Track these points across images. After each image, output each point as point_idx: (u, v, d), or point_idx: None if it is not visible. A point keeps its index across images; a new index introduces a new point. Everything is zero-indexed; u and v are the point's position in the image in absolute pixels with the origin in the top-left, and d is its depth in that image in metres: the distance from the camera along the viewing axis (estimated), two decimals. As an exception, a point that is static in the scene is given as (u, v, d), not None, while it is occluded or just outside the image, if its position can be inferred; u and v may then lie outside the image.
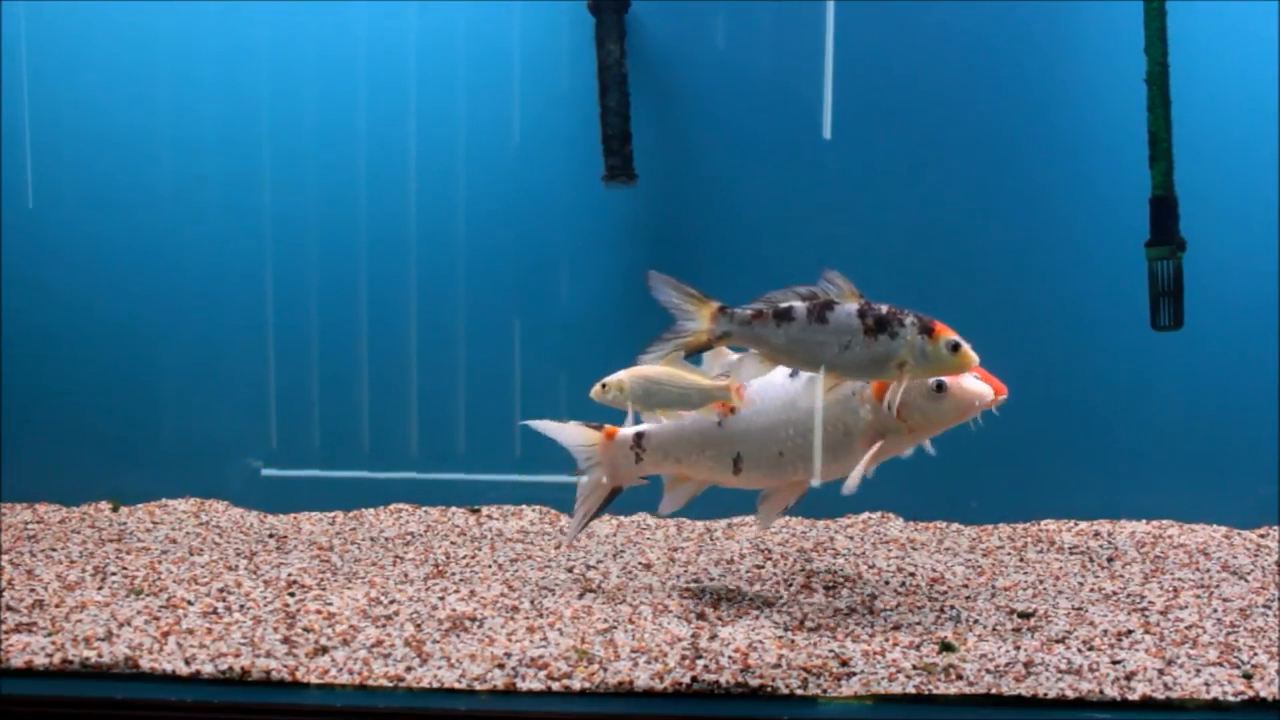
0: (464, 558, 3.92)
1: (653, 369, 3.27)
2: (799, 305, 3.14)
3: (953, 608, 3.38)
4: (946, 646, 3.04)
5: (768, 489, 3.48)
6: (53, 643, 3.04)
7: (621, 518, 4.45)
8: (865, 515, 4.42)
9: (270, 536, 4.20)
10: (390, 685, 2.87)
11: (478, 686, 2.86)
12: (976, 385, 3.28)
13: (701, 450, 3.47)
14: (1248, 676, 2.87)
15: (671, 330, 3.24)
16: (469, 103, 4.41)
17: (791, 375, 3.36)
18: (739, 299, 3.21)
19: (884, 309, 3.12)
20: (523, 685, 2.86)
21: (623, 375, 3.30)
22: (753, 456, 3.41)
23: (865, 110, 4.27)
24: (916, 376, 3.16)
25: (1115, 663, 2.94)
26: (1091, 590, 3.56)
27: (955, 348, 3.10)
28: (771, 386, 3.39)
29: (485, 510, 4.51)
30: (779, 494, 3.46)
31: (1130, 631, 3.16)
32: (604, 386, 3.31)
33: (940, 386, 3.24)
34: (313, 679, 2.90)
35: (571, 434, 3.58)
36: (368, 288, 4.49)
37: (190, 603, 3.33)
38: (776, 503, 3.47)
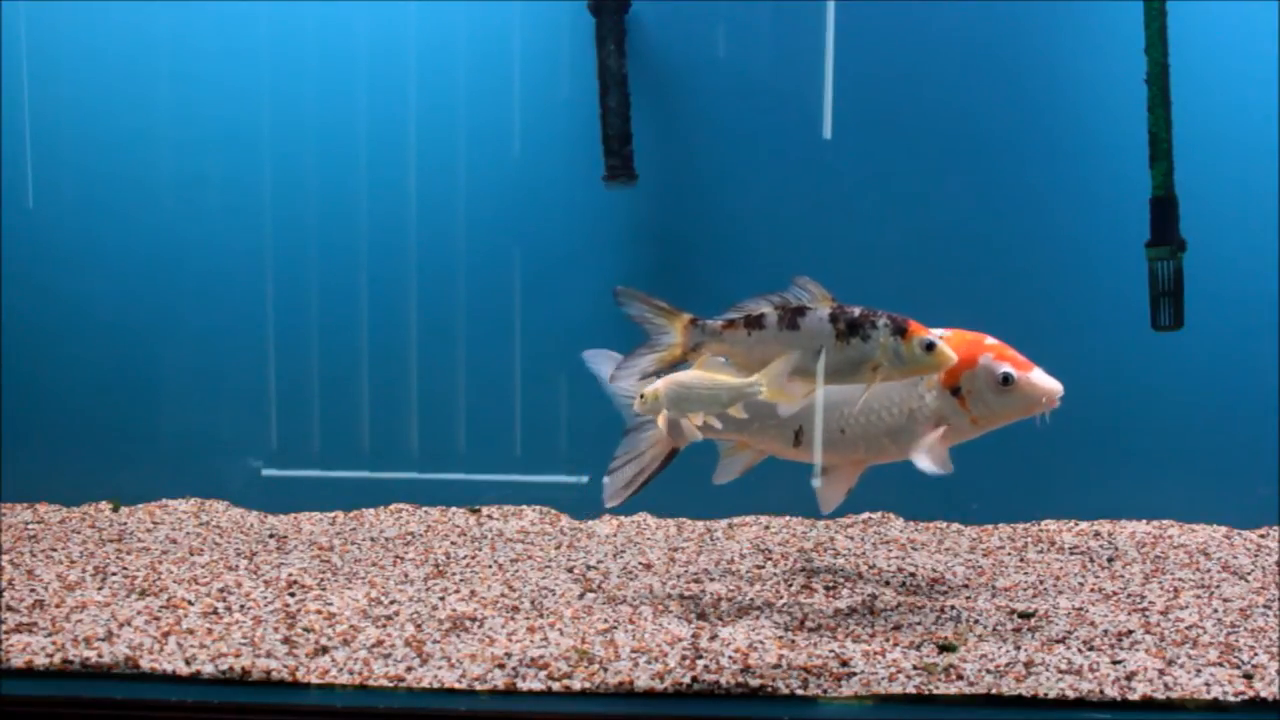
0: (464, 558, 3.92)
1: (686, 374, 3.22)
2: (770, 313, 3.12)
3: (953, 608, 3.38)
4: (946, 646, 3.04)
5: (826, 470, 3.42)
6: (53, 643, 3.04)
7: (621, 518, 4.45)
8: (865, 515, 4.42)
9: (270, 536, 4.20)
10: (390, 685, 2.87)
11: (478, 686, 2.86)
12: (1045, 382, 3.23)
13: (764, 419, 3.41)
14: (1248, 676, 2.87)
15: (646, 345, 3.22)
16: (469, 103, 4.41)
17: None
18: (740, 300, 3.20)
19: (856, 312, 3.08)
20: (523, 685, 2.86)
21: (659, 384, 3.24)
22: (811, 430, 3.36)
23: (866, 111, 4.26)
24: (892, 378, 3.14)
25: (1115, 663, 2.94)
26: (1092, 590, 3.56)
27: (930, 347, 3.06)
28: None
29: (485, 510, 4.51)
30: (841, 472, 3.40)
31: (1130, 631, 3.16)
32: (643, 398, 3.26)
33: (1007, 379, 3.20)
34: (313, 679, 2.90)
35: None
36: (368, 288, 4.49)
37: (190, 603, 3.33)
38: (839, 483, 3.41)
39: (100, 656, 2.97)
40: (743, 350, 3.15)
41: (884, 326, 3.06)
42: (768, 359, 3.14)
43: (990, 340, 3.29)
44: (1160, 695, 2.80)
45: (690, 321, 3.18)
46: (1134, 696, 2.80)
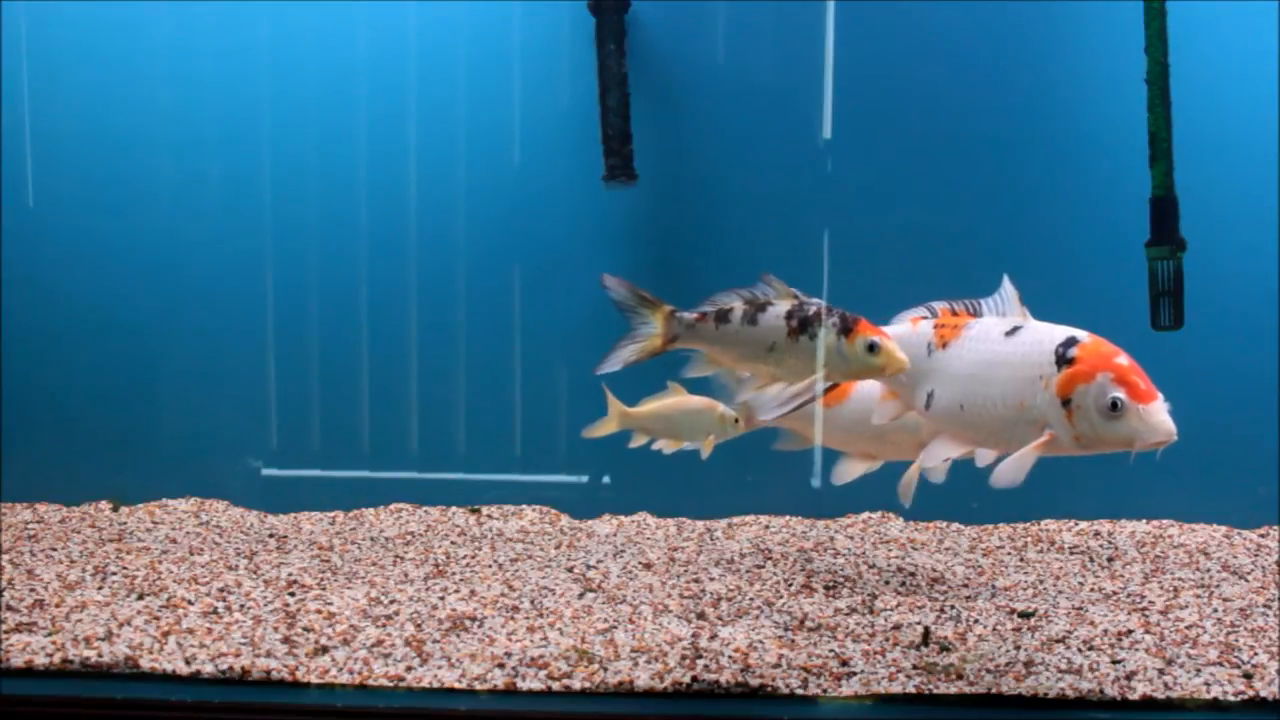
0: (464, 558, 3.92)
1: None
2: (737, 308, 3.15)
3: (953, 607, 3.38)
4: (944, 647, 3.04)
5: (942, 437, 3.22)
6: (53, 642, 3.04)
7: (621, 517, 4.45)
8: (865, 515, 4.42)
9: (270, 536, 4.20)
10: (390, 685, 2.87)
11: (478, 686, 2.86)
12: (1157, 418, 2.94)
13: (908, 374, 3.17)
14: (1248, 676, 2.87)
15: (628, 336, 3.25)
16: (469, 103, 4.41)
17: (1008, 334, 3.11)
18: (715, 294, 3.22)
19: (811, 309, 3.08)
20: (523, 685, 2.86)
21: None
22: (940, 397, 3.15)
23: (865, 110, 4.27)
24: (836, 378, 3.11)
25: (1115, 662, 2.94)
26: (1092, 590, 3.56)
27: (872, 348, 3.00)
28: (988, 339, 3.13)
29: (485, 510, 4.51)
30: (951, 443, 3.18)
31: (1130, 631, 3.16)
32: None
33: (1115, 405, 2.94)
34: (313, 679, 2.90)
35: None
36: (368, 288, 4.49)
37: (190, 602, 3.33)
38: (943, 450, 3.19)
39: (100, 656, 2.97)
40: (711, 343, 3.18)
41: (831, 325, 3.06)
42: (731, 353, 3.17)
43: (1121, 360, 3.00)
44: (1160, 695, 2.80)
45: (670, 313, 3.21)
46: (1134, 696, 2.80)
